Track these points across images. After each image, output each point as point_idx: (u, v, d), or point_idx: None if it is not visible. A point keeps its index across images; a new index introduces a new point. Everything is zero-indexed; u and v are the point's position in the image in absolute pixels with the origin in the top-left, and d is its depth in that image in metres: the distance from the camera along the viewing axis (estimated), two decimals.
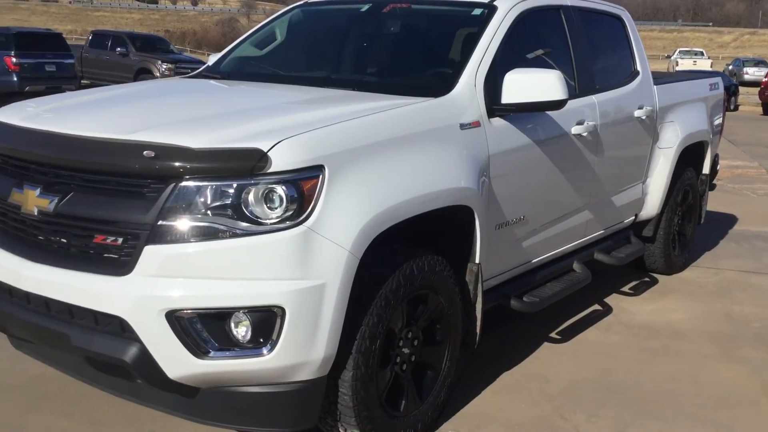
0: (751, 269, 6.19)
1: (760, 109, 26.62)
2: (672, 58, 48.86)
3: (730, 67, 42.70)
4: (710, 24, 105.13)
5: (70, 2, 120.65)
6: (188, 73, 4.97)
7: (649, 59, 5.45)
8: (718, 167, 6.84)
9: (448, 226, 3.45)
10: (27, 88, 17.40)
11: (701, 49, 52.06)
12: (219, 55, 4.70)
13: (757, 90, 28.30)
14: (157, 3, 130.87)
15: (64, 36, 20.98)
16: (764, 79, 26.86)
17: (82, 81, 21.12)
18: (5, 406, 3.50)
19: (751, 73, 39.65)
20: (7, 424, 3.34)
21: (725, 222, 7.99)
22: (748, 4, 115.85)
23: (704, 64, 42.99)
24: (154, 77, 20.85)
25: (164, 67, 21.94)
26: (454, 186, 3.27)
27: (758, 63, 41.51)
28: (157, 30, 66.33)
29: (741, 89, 31.21)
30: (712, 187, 6.77)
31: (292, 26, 4.73)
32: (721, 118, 6.61)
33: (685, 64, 43.42)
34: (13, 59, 17.63)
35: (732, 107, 27.36)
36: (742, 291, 5.62)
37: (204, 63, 5.64)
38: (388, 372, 3.14)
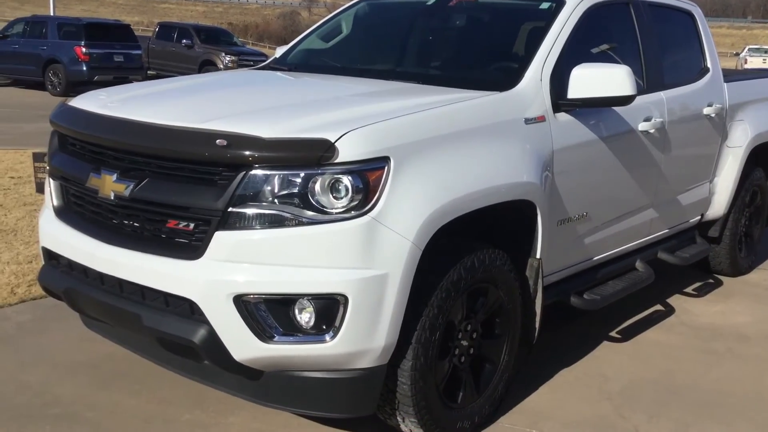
0: None
1: None
2: (741, 55, 47.39)
3: None
4: None
5: None
6: (251, 65, 5.07)
7: (718, 57, 5.33)
8: None
9: (511, 221, 3.45)
10: (96, 78, 17.94)
11: None
12: (286, 47, 4.78)
13: None
14: None
15: (131, 27, 21.51)
16: None
17: (148, 72, 21.64)
18: (75, 383, 3.64)
19: None
20: (79, 401, 3.47)
21: None
22: None
23: None
24: (217, 69, 21.22)
25: (228, 59, 22.31)
26: (516, 180, 3.27)
27: None
28: (220, 22, 67.41)
29: None
30: None
31: (358, 19, 4.78)
32: None
33: (755, 62, 42.08)
34: (83, 49, 18.19)
35: None
36: None
37: (265, 55, 5.74)
38: (446, 363, 3.17)
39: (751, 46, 50.50)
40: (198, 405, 3.48)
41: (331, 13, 4.94)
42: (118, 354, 3.80)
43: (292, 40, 4.92)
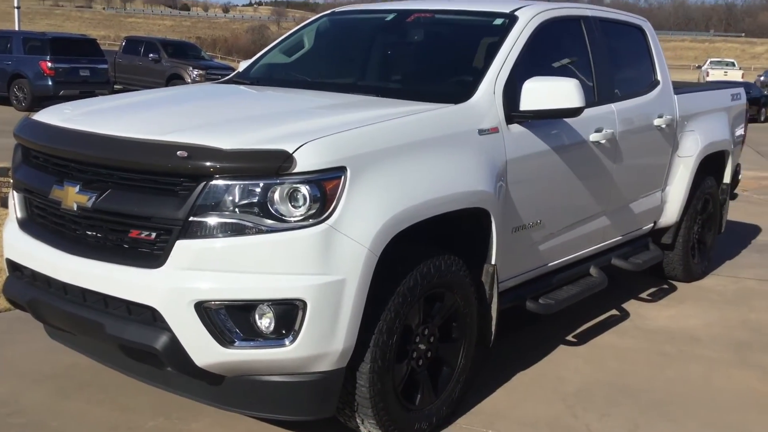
0: None
1: None
2: (703, 68, 48.37)
3: (762, 78, 42.17)
4: (743, 34, 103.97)
5: (103, 8, 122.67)
6: (219, 79, 5.15)
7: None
8: (740, 177, 6.87)
9: (467, 228, 3.57)
10: (62, 92, 17.82)
11: (732, 60, 51.51)
12: (249, 61, 4.88)
13: None
14: (189, 10, 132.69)
15: (97, 41, 21.41)
16: None
17: (115, 86, 21.54)
18: (42, 393, 3.68)
19: None
20: (44, 411, 3.52)
21: (750, 232, 8.01)
22: None
23: (735, 75, 42.51)
24: (185, 83, 21.20)
25: (195, 73, 22.31)
26: (470, 189, 3.40)
27: None
28: (188, 37, 67.19)
29: None
30: (734, 196, 6.81)
31: (320, 34, 4.90)
32: (743, 128, 6.65)
33: (716, 75, 42.98)
34: (49, 64, 18.08)
35: (762, 119, 27.10)
36: (760, 299, 5.66)
37: (234, 69, 5.82)
38: (404, 366, 3.27)
39: (712, 59, 51.60)
40: (161, 412, 3.53)
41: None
42: (82, 364, 3.85)
43: None
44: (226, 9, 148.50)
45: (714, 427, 3.66)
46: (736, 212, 8.78)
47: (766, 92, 31.03)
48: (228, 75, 4.91)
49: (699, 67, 55.01)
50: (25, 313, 3.44)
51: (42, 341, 3.91)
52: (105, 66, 19.73)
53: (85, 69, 18.92)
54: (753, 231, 8.08)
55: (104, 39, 53.42)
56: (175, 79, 22.23)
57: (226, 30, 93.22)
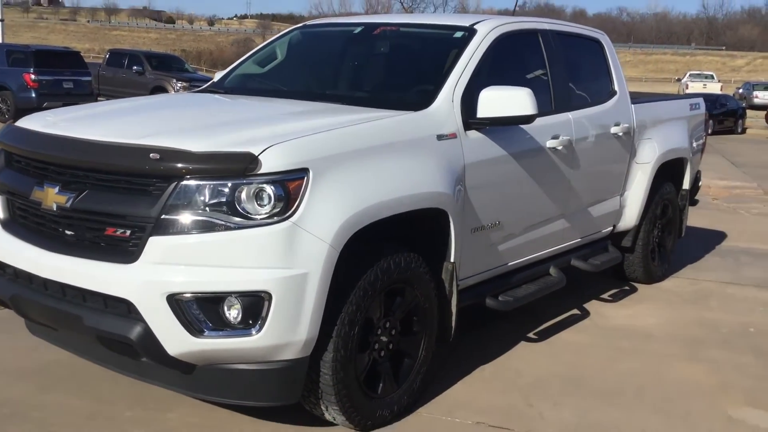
0: (729, 280, 6.50)
1: (767, 132, 26.84)
2: (682, 81, 49.12)
3: (740, 91, 42.90)
4: (723, 48, 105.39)
5: (88, 21, 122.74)
6: None
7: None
8: (700, 183, 7.14)
9: (428, 228, 3.80)
10: (45, 105, 17.83)
11: (711, 73, 52.29)
12: (224, 72, 5.10)
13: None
14: (174, 23, 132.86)
15: (81, 54, 21.56)
16: None
17: (98, 98, 21.67)
18: (23, 387, 3.86)
19: (761, 96, 39.76)
20: (25, 403, 3.70)
21: (714, 238, 8.28)
22: (762, 28, 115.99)
23: (714, 87, 43.19)
24: None
25: (179, 85, 22.50)
26: (429, 190, 3.62)
27: None
28: (173, 49, 67.33)
29: (750, 113, 31.47)
30: (694, 202, 7.08)
31: (292, 46, 5.14)
32: (703, 137, 6.93)
33: (695, 87, 43.64)
34: (32, 76, 18.20)
35: (739, 130, 27.64)
36: (716, 299, 5.92)
37: None
38: (366, 357, 3.48)
39: (692, 72, 52.39)
40: (138, 403, 3.73)
41: None
42: (62, 360, 4.05)
43: None
44: (211, 22, 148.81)
45: (660, 413, 3.89)
46: (704, 219, 9.10)
47: (743, 104, 31.65)
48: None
49: (679, 80, 55.78)
50: (7, 313, 3.63)
51: (24, 339, 4.09)
52: (89, 78, 19.85)
53: (69, 81, 19.04)
54: (718, 237, 8.36)
55: (88, 52, 53.55)
56: (158, 92, 22.34)
57: (211, 43, 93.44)
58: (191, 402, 3.68)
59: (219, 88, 4.81)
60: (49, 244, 3.31)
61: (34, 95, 18.19)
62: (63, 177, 3.26)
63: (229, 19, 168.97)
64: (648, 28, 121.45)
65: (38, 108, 16.96)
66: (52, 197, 3.23)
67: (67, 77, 19.01)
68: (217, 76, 5.08)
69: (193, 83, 22.53)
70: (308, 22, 5.37)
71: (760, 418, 3.91)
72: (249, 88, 4.79)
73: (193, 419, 3.61)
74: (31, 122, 3.69)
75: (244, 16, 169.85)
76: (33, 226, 3.43)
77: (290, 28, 5.27)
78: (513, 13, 6.20)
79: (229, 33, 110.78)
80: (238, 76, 4.96)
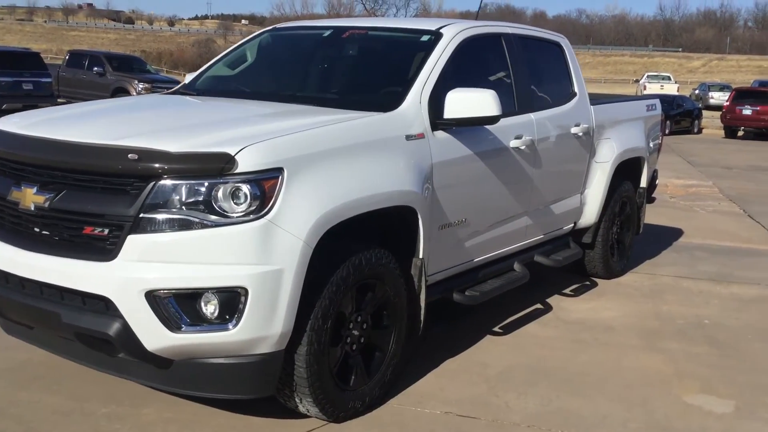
0: (685, 275, 6.74)
1: (722, 132, 27.52)
2: (640, 82, 50.02)
3: (696, 92, 43.92)
4: (680, 49, 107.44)
5: (45, 21, 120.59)
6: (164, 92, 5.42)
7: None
8: (657, 182, 7.40)
9: (397, 226, 3.93)
10: (4, 106, 17.61)
11: (668, 74, 53.35)
12: (195, 74, 5.17)
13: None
14: (133, 23, 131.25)
15: (40, 55, 21.28)
16: (725, 104, 27.81)
17: (58, 100, 21.41)
18: (0, 385, 3.91)
19: (716, 97, 40.71)
20: (3, 400, 3.74)
21: (671, 235, 8.54)
22: (717, 30, 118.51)
23: (671, 88, 44.05)
24: None
25: (141, 86, 22.32)
26: (398, 189, 3.75)
27: (723, 88, 42.62)
28: (133, 50, 66.60)
29: (706, 113, 32.21)
30: (651, 200, 7.33)
31: (262, 49, 5.23)
32: (660, 137, 7.18)
33: (653, 88, 44.44)
34: None
35: (695, 130, 28.31)
36: (672, 293, 6.16)
37: (180, 83, 6.11)
38: (339, 350, 3.60)
39: (649, 73, 53.40)
40: (113, 400, 3.79)
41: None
42: (36, 359, 4.10)
43: None
44: (171, 22, 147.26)
45: (620, 400, 4.07)
46: (661, 217, 9.38)
47: (699, 105, 32.40)
48: (173, 88, 5.19)
49: (637, 81, 56.80)
50: None
51: None
52: (49, 80, 19.61)
53: (28, 83, 18.78)
54: (675, 234, 8.63)
55: (46, 52, 52.54)
56: (120, 93, 22.16)
57: (171, 43, 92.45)
58: (166, 397, 3.76)
59: (191, 89, 4.88)
60: (26, 243, 3.37)
61: None
62: (41, 177, 3.32)
63: (189, 19, 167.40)
64: (607, 30, 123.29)
65: None
66: (30, 197, 3.29)
67: (26, 78, 18.74)
68: (188, 78, 5.15)
69: (156, 84, 22.42)
70: (278, 25, 5.47)
71: (713, 403, 4.11)
72: (220, 90, 4.87)
73: (168, 414, 3.69)
74: (6, 124, 3.73)
75: (206, 17, 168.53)
76: (9, 226, 3.48)
77: (260, 31, 5.37)
78: (476, 17, 6.37)
79: (190, 34, 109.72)
80: (209, 78, 5.04)
